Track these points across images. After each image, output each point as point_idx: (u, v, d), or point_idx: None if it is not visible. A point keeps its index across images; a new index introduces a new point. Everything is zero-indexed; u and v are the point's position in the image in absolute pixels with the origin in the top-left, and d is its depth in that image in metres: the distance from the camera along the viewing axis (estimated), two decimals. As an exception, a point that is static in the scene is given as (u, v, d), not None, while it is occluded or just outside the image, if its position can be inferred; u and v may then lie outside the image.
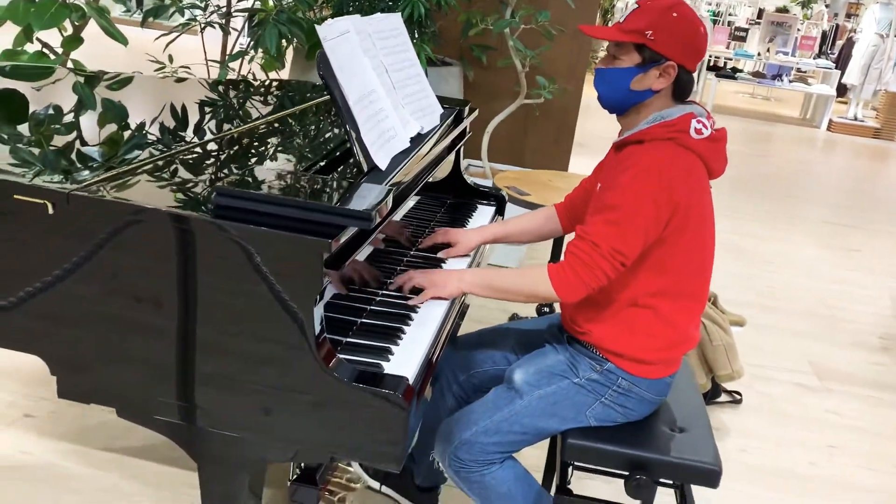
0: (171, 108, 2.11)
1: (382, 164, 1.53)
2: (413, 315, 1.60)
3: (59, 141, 1.66)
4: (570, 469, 1.84)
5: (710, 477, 1.65)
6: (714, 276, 2.99)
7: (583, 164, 6.49)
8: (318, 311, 1.24)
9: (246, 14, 3.66)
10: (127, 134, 1.80)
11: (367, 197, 1.29)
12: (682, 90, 1.67)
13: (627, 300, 1.67)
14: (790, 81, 10.85)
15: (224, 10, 3.55)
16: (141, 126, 1.88)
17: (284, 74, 4.27)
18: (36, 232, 1.27)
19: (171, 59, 3.57)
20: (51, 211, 1.24)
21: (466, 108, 2.34)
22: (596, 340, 1.71)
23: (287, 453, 1.33)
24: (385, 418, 1.25)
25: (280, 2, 3.49)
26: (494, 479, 1.75)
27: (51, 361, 1.35)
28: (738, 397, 3.02)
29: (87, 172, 1.39)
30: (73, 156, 1.51)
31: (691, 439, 1.73)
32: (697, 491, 2.38)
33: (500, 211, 2.43)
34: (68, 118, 1.99)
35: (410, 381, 1.32)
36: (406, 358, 1.43)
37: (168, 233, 1.22)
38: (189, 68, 3.64)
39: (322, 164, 1.59)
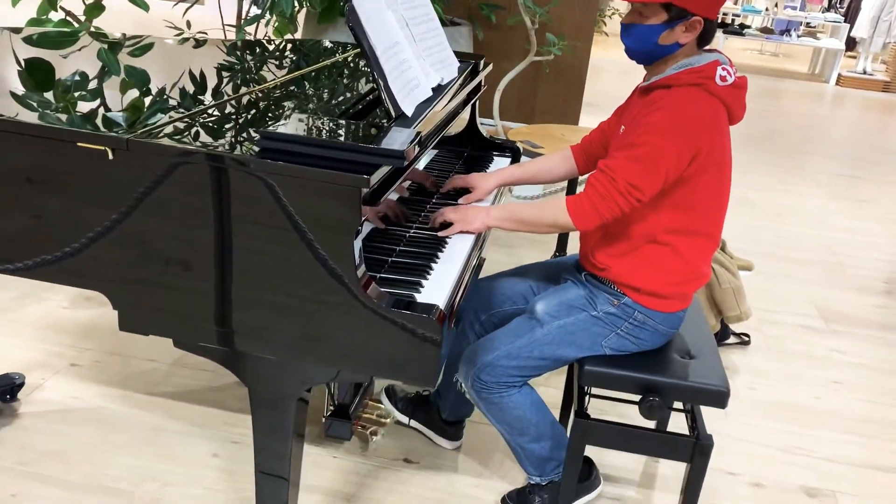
0: (191, 73, 2.21)
1: (409, 110, 1.64)
2: (440, 253, 1.72)
3: (85, 107, 1.76)
4: (587, 397, 1.97)
5: (719, 398, 1.78)
6: (724, 226, 3.11)
7: (593, 122, 6.56)
8: (358, 244, 1.35)
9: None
10: (149, 99, 1.90)
11: (398, 138, 1.39)
12: (706, 38, 1.75)
13: (646, 237, 1.78)
14: (799, 36, 10.79)
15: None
16: (162, 91, 1.97)
17: (297, 37, 4.35)
18: (97, 176, 1.39)
19: (188, 24, 3.65)
20: (111, 157, 1.36)
21: (481, 62, 2.43)
22: (614, 276, 1.82)
23: (330, 373, 1.45)
24: (420, 340, 1.37)
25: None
26: (512, 401, 1.89)
27: (112, 296, 1.47)
28: (747, 339, 3.14)
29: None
30: (99, 121, 1.62)
31: (701, 365, 1.85)
32: (710, 424, 2.52)
33: (515, 162, 2.53)
34: (94, 84, 2.09)
35: (442, 307, 1.44)
36: (436, 289, 1.56)
37: (220, 173, 1.34)
38: (206, 34, 3.73)
39: (349, 114, 1.70)
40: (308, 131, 1.39)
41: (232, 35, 3.75)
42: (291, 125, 1.44)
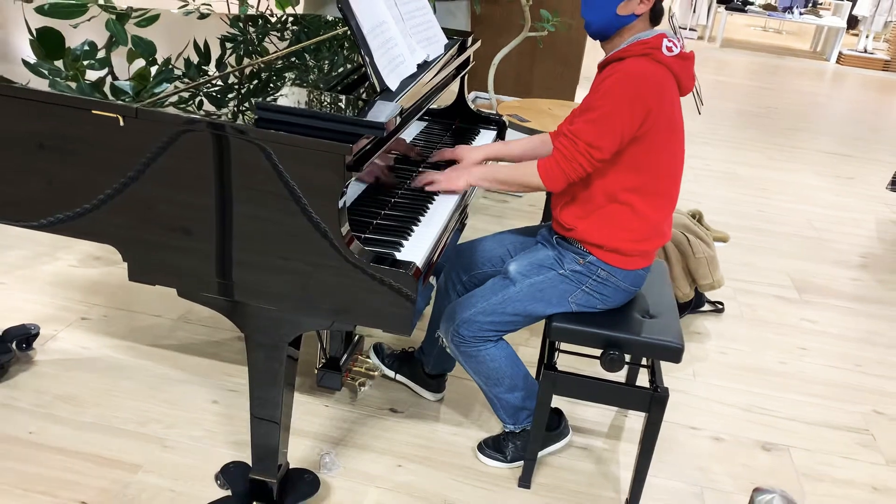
0: (195, 44, 2.35)
1: (393, 85, 1.79)
2: (421, 217, 1.88)
3: (94, 75, 1.90)
4: (556, 352, 2.14)
5: (674, 353, 1.95)
6: (706, 200, 3.24)
7: (588, 96, 6.69)
8: (341, 204, 1.51)
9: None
10: (156, 69, 2.04)
11: (383, 111, 1.55)
12: (656, 14, 1.91)
13: (607, 197, 1.94)
14: (801, 13, 10.83)
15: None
16: (167, 61, 2.12)
17: (298, 11, 4.47)
18: (109, 142, 1.55)
19: (193, -4, 3.77)
20: (121, 123, 1.51)
21: (469, 39, 2.57)
22: (580, 235, 1.99)
23: (317, 323, 1.62)
24: (397, 293, 1.54)
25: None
26: (488, 354, 2.06)
27: (123, 249, 1.63)
28: (721, 307, 3.31)
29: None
30: (108, 89, 1.76)
31: (659, 324, 2.02)
32: (677, 384, 2.70)
33: (500, 135, 2.68)
34: (102, 54, 2.23)
35: (419, 265, 1.60)
36: (415, 249, 1.72)
37: (219, 139, 1.50)
38: (210, 5, 3.86)
39: (340, 87, 1.85)
40: (300, 103, 1.54)
41: (235, 8, 3.87)
42: (287, 97, 1.59)
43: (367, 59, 1.72)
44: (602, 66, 1.94)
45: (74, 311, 2.74)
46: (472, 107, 2.69)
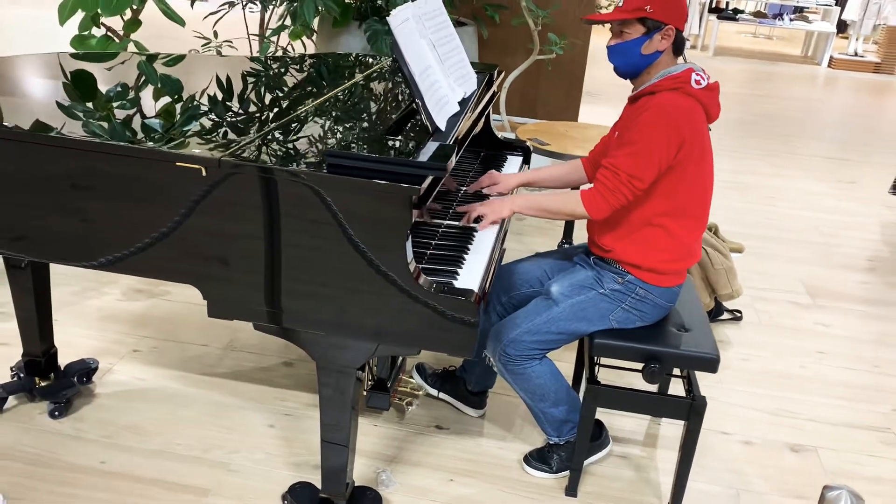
0: (218, 81, 2.49)
1: (442, 125, 1.92)
2: (469, 245, 2.01)
3: (127, 114, 2.01)
4: (597, 367, 2.27)
5: (711, 364, 2.08)
6: (717, 211, 3.37)
7: (592, 111, 6.85)
8: (408, 242, 1.64)
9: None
10: (181, 106, 2.14)
11: (439, 153, 1.68)
12: (679, 47, 2.06)
13: (643, 221, 2.08)
14: (791, 20, 11.03)
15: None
16: (192, 98, 2.25)
17: (309, 41, 4.61)
18: (192, 190, 1.68)
19: (215, 34, 3.92)
20: (204, 174, 1.64)
21: (495, 72, 2.71)
22: (618, 256, 2.12)
23: (388, 349, 1.75)
24: (461, 319, 1.66)
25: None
26: (534, 372, 2.19)
27: (204, 288, 1.76)
28: (739, 315, 3.44)
29: (151, 143, 1.76)
30: (137, 126, 1.88)
31: (694, 336, 2.15)
32: (705, 391, 2.83)
33: (526, 160, 2.81)
34: (141, 94, 2.33)
35: (477, 291, 1.73)
36: (470, 276, 1.85)
37: (294, 185, 1.63)
38: (232, 42, 4.01)
39: (393, 128, 1.98)
40: (365, 149, 1.67)
41: (256, 43, 4.02)
42: (350, 143, 1.72)
43: (419, 102, 1.86)
44: (634, 100, 2.08)
45: (126, 343, 2.86)
46: (492, 127, 2.83)
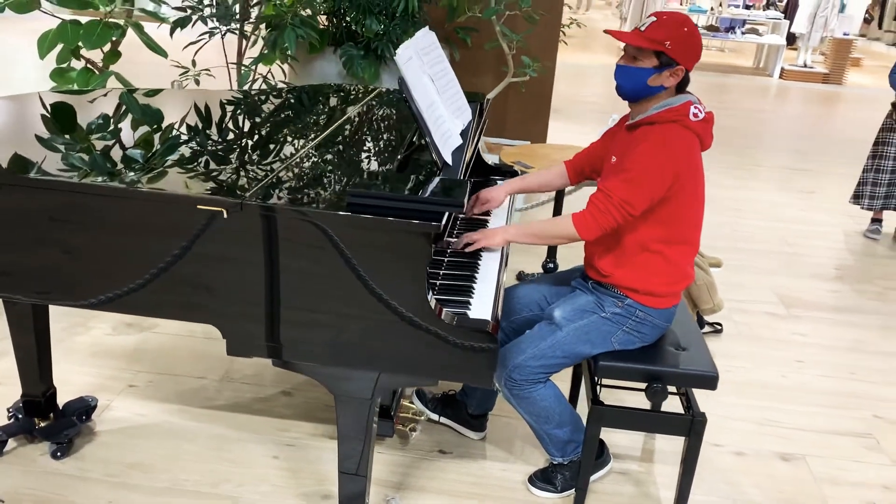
0: (196, 110, 2.51)
1: (449, 159, 1.98)
2: (476, 274, 2.06)
3: (109, 144, 2.02)
4: (599, 388, 2.33)
5: (710, 381, 2.15)
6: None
7: (560, 128, 6.98)
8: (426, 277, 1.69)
9: (255, 19, 4.01)
10: (158, 136, 2.15)
11: (454, 188, 1.73)
12: (684, 85, 2.13)
13: (640, 247, 2.15)
14: (743, 33, 11.36)
15: (238, 17, 3.90)
16: (171, 127, 2.25)
17: (283, 67, 4.63)
18: (212, 233, 1.70)
19: (194, 63, 3.92)
20: (225, 216, 1.67)
21: (485, 101, 2.78)
22: (617, 281, 2.19)
23: (409, 381, 1.79)
24: (480, 349, 1.71)
25: (294, 6, 3.85)
26: (539, 395, 2.24)
27: (223, 328, 1.78)
28: (720, 328, 3.55)
29: (132, 174, 1.81)
30: (118, 157, 1.90)
31: (692, 355, 2.23)
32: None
33: (515, 184, 2.88)
34: (121, 124, 2.34)
35: (490, 319, 1.79)
36: (481, 305, 1.90)
37: (315, 225, 1.66)
38: (210, 71, 4.01)
39: (402, 164, 2.03)
40: (385, 187, 1.72)
41: (234, 71, 4.03)
42: (364, 180, 1.76)
43: (428, 139, 1.91)
44: (632, 127, 2.15)
45: (121, 379, 2.84)
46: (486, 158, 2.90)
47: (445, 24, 4.92)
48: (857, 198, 4.97)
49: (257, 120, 2.46)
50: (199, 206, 1.68)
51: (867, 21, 14.62)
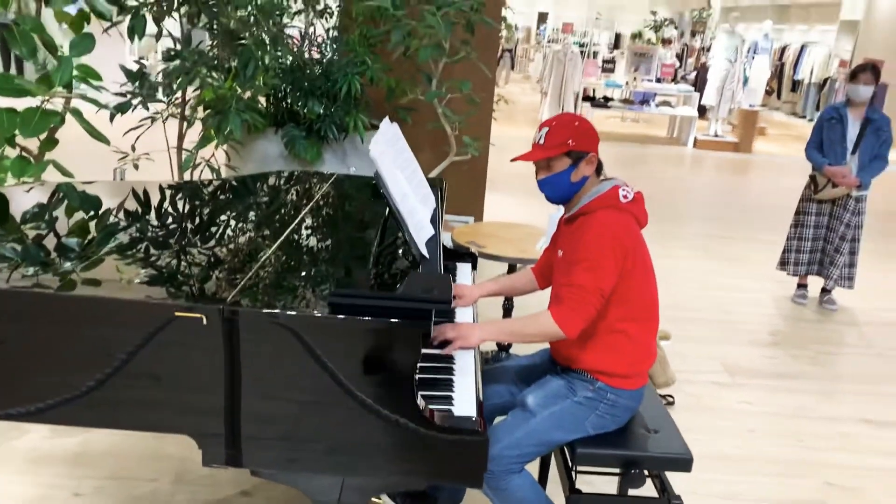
0: (134, 194, 2.45)
1: (425, 251, 1.97)
2: (454, 367, 2.04)
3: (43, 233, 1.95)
4: (575, 475, 2.32)
5: (686, 464, 2.17)
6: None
7: (495, 200, 7.10)
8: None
9: (193, 102, 3.97)
10: (94, 223, 2.09)
11: (437, 284, 1.73)
12: (600, 168, 2.25)
13: (605, 329, 2.19)
14: (656, 105, 11.93)
15: (179, 100, 3.86)
16: (108, 212, 2.21)
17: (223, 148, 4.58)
18: (190, 339, 1.63)
19: (133, 148, 3.84)
20: (205, 322, 1.61)
21: (444, 185, 2.81)
22: (587, 365, 2.21)
23: (397, 483, 1.73)
24: (471, 447, 1.68)
25: (233, 89, 3.84)
26: (515, 485, 2.21)
27: (200, 439, 1.69)
28: (672, 399, 3.60)
29: (68, 263, 1.77)
30: (52, 246, 1.84)
31: (665, 438, 2.25)
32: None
33: (474, 265, 2.89)
34: (57, 213, 2.27)
35: (475, 417, 1.76)
36: (464, 400, 1.88)
37: (295, 329, 1.62)
38: (149, 154, 3.93)
39: (377, 261, 2.01)
40: (363, 286, 1.69)
41: (174, 155, 3.96)
42: (348, 279, 1.74)
43: (407, 235, 1.91)
44: (570, 220, 2.23)
45: (65, 487, 2.66)
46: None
47: (386, 105, 4.99)
48: (783, 264, 5.21)
49: (210, 211, 2.41)
50: (177, 314, 1.61)
51: (768, 93, 15.61)
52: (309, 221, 2.31)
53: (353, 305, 1.63)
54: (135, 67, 3.85)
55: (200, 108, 4.09)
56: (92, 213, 2.27)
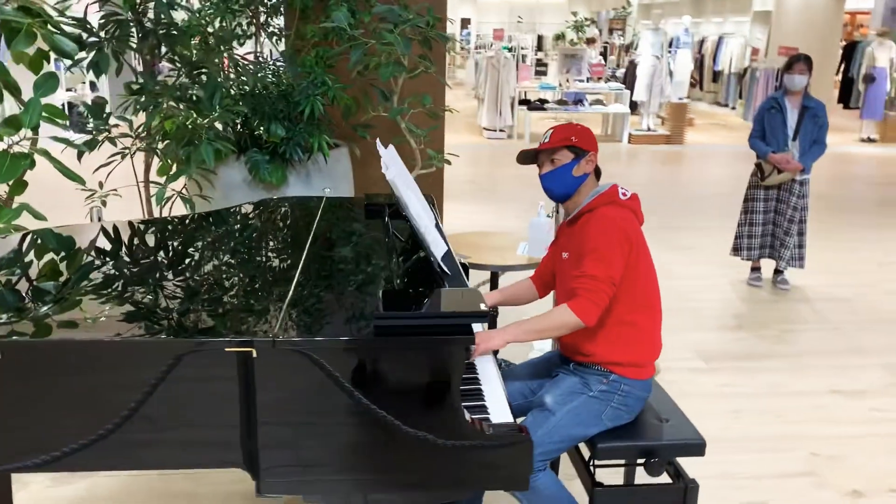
0: (104, 231, 2.46)
1: (447, 268, 2.04)
2: (477, 376, 2.11)
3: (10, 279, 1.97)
4: (594, 468, 2.41)
5: (699, 448, 2.30)
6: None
7: (454, 209, 7.19)
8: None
9: (155, 133, 3.93)
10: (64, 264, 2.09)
11: (472, 298, 1.79)
12: (598, 172, 2.40)
13: (615, 321, 2.30)
14: (590, 105, 12.23)
15: (145, 133, 3.82)
16: (82, 252, 2.22)
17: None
18: (238, 373, 1.66)
19: (101, 185, 3.79)
20: (255, 355, 1.64)
21: (433, 201, 2.88)
22: (599, 359, 2.32)
23: (451, 496, 1.79)
24: (516, 451, 1.75)
25: (196, 120, 3.83)
26: (542, 484, 2.29)
27: (255, 472, 1.72)
28: (655, 389, 3.74)
29: (45, 307, 1.79)
30: (27, 291, 1.86)
31: (677, 425, 2.37)
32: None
33: (466, 275, 2.97)
34: (28, 259, 2.25)
35: (513, 421, 1.84)
36: (498, 407, 1.95)
37: (347, 354, 1.66)
38: (116, 190, 3.88)
39: (406, 279, 2.07)
40: (405, 306, 1.75)
41: (143, 189, 3.92)
42: (385, 303, 1.79)
43: (432, 255, 1.97)
44: (572, 221, 2.36)
45: (78, 534, 2.62)
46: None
47: (344, 123, 5.02)
48: (736, 250, 5.44)
49: (233, 247, 2.42)
50: (227, 349, 1.63)
51: (692, 85, 16.16)
52: (319, 247, 2.34)
53: (396, 326, 1.68)
54: (67, 99, 3.79)
55: (159, 141, 4.05)
56: (68, 253, 2.25)
